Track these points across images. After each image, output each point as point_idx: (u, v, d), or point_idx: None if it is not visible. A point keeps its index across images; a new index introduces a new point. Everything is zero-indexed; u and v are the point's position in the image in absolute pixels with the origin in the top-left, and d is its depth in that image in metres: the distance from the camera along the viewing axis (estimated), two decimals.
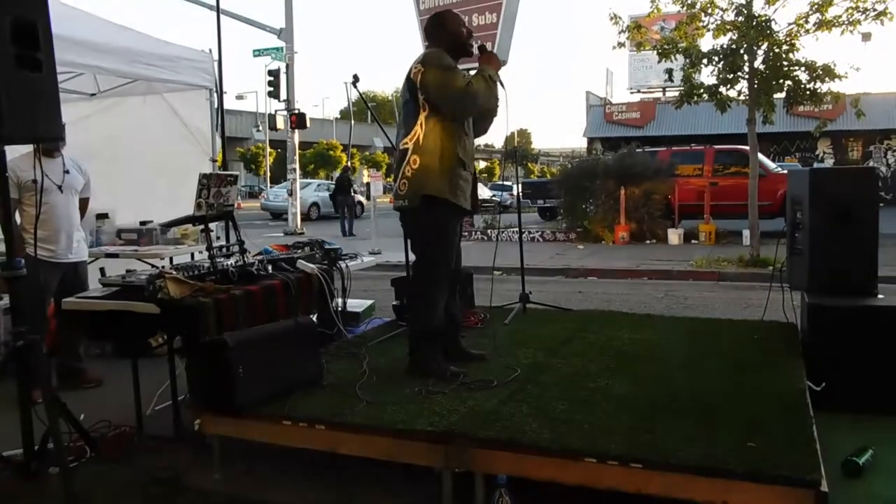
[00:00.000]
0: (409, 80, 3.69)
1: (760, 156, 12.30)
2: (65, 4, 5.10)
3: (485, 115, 3.96)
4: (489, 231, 15.68)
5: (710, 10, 10.05)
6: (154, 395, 4.19)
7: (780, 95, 10.11)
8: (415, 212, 3.71)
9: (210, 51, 6.37)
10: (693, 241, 13.62)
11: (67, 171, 4.72)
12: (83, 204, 4.97)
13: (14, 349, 3.07)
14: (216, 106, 6.48)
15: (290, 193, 20.02)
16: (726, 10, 10.00)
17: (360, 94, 4.99)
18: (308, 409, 3.19)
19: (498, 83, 3.77)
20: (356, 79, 4.51)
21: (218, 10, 6.70)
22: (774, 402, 3.19)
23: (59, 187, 4.63)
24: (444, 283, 3.78)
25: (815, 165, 24.90)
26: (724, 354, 4.10)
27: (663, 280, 9.70)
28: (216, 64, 6.37)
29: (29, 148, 4.23)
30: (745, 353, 4.10)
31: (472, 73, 3.76)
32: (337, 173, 43.85)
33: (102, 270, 4.33)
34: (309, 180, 33.37)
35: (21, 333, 3.07)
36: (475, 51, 3.89)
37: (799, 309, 4.49)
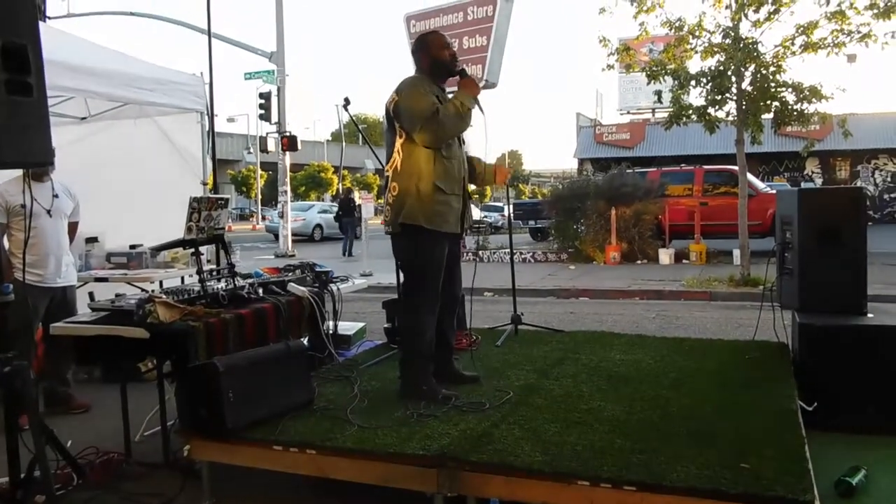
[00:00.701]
0: (387, 109, 3.78)
1: (750, 176, 12.42)
2: (55, 29, 5.14)
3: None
4: (480, 252, 15.69)
5: (697, 33, 10.18)
6: (143, 421, 4.15)
7: (768, 116, 10.21)
8: (396, 238, 3.77)
9: (201, 74, 6.40)
10: (684, 261, 13.67)
11: (56, 196, 4.71)
12: (72, 228, 4.96)
13: (1, 375, 3.04)
14: (207, 129, 6.49)
15: (282, 216, 20.02)
16: (713, 32, 10.13)
17: (351, 117, 5.02)
18: (299, 433, 3.17)
19: (476, 108, 3.80)
20: (347, 102, 4.54)
21: (210, 34, 6.74)
22: (767, 422, 3.19)
23: (48, 211, 4.61)
24: (433, 306, 3.78)
25: (804, 185, 25.11)
26: (717, 374, 4.10)
27: (655, 300, 9.72)
28: (207, 87, 6.39)
29: (17, 172, 4.22)
30: (737, 373, 4.10)
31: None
32: (329, 195, 43.84)
33: (91, 295, 4.30)
34: (312, 202, 33.54)
35: (8, 359, 3.04)
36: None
37: (790, 328, 4.51)
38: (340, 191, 39.72)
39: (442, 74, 3.89)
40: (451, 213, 3.77)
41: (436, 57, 3.87)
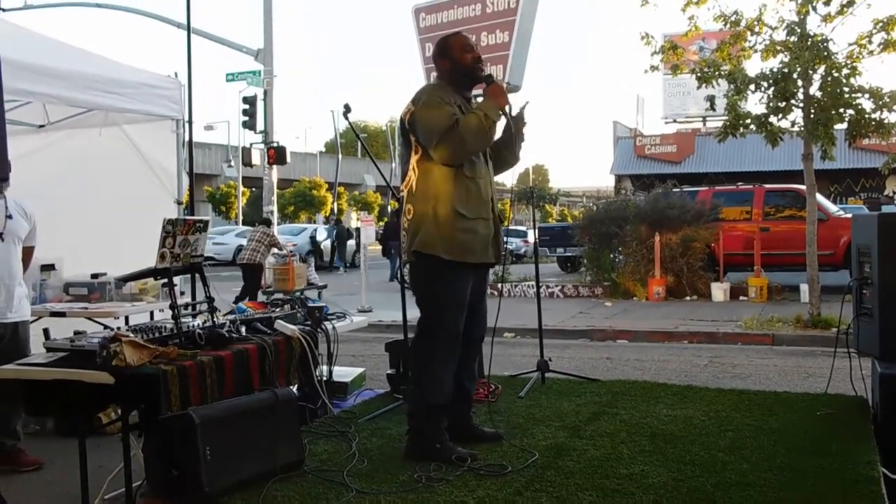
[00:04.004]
0: (402, 121, 3.86)
1: (819, 197, 12.38)
2: (10, 23, 5.23)
3: (501, 160, 4.07)
4: (499, 285, 15.69)
5: (757, 29, 10.22)
6: (104, 482, 4.15)
7: (841, 126, 10.20)
8: (410, 267, 3.83)
9: (176, 75, 6.48)
10: (741, 298, 13.61)
11: (10, 216, 4.74)
12: (27, 254, 4.98)
13: None
14: (184, 139, 6.56)
15: None
16: (776, 28, 10.16)
17: (351, 125, 5.08)
18: (287, 499, 3.17)
19: (507, 118, 3.84)
20: (347, 109, 4.61)
21: (189, 28, 6.82)
22: (842, 493, 3.16)
23: (0, 235, 4.66)
24: (450, 350, 3.79)
25: (885, 208, 24.99)
26: (782, 434, 4.08)
27: (707, 344, 9.67)
28: (185, 91, 6.47)
29: None
30: (806, 433, 4.08)
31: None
32: (322, 216, 44.13)
33: (46, 332, 4.33)
34: (304, 224, 33.84)
35: None
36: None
37: (869, 379, 4.48)
38: (334, 212, 40.09)
39: (465, 81, 3.96)
40: (476, 241, 3.79)
41: (457, 61, 3.93)
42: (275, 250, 13.61)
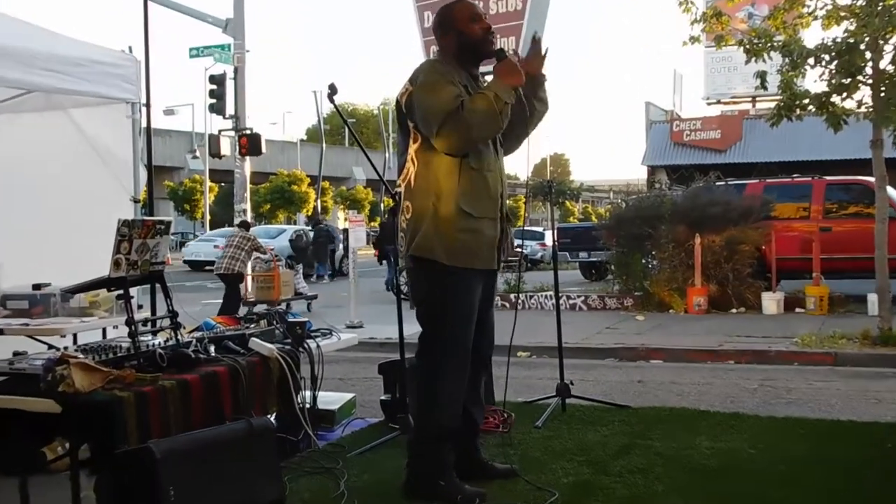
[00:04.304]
0: (398, 104, 3.88)
1: (891, 190, 12.36)
2: None
3: (512, 136, 4.07)
4: (512, 296, 15.71)
5: None
6: None
7: None
8: (409, 274, 3.87)
9: (131, 50, 6.50)
10: (797, 310, 13.60)
11: None
12: None
13: None
14: (141, 126, 6.58)
15: None
16: None
17: (338, 109, 5.09)
18: None
19: (519, 98, 3.84)
20: (333, 90, 4.61)
21: None
22: None
23: None
24: (457, 371, 3.81)
25: None
26: (845, 469, 4.09)
27: (757, 364, 9.66)
28: (141, 68, 6.49)
29: None
30: (873, 468, 4.09)
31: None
32: (303, 215, 44.14)
33: None
34: (282, 226, 34.03)
35: None
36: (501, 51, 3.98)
37: None
38: (319, 210, 40.01)
39: (472, 57, 3.97)
40: (482, 245, 3.81)
41: (463, 33, 3.94)
42: (257, 254, 13.75)
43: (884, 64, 9.99)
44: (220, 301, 14.00)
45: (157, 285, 4.47)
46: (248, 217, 19.96)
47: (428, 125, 3.72)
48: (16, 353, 4.03)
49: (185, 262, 32.03)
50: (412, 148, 3.82)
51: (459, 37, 3.94)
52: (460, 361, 3.82)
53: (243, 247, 13.69)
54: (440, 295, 3.79)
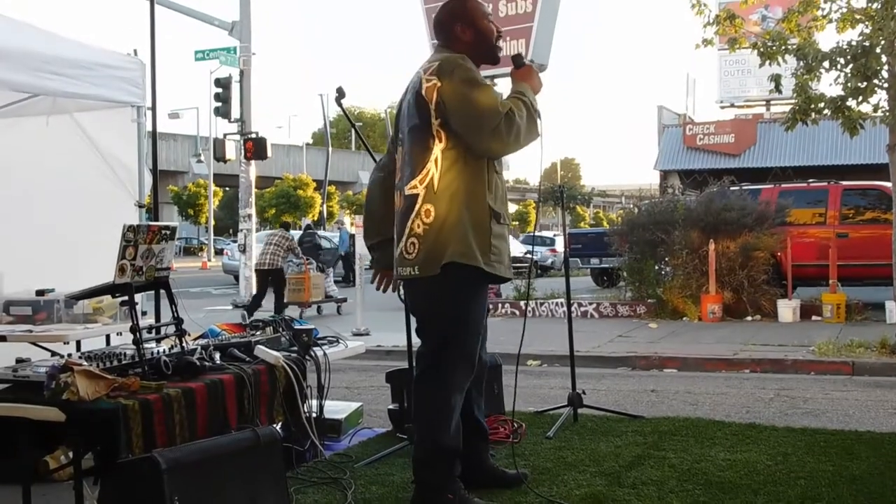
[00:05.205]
0: (420, 98, 3.71)
1: None
2: None
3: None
4: (521, 303, 15.69)
5: None
6: None
7: None
8: (430, 283, 3.72)
9: (136, 53, 6.51)
10: (814, 318, 13.56)
11: None
12: None
13: None
14: (147, 130, 6.58)
15: (244, 250, 20.05)
16: None
17: (345, 112, 5.10)
18: None
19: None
20: (341, 93, 4.61)
21: None
22: None
23: None
24: (466, 381, 3.80)
25: None
26: (865, 482, 4.07)
27: (773, 373, 9.64)
28: (147, 71, 6.50)
29: None
30: (894, 481, 4.06)
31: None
32: (309, 221, 44.38)
33: None
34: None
35: None
36: (510, 57, 3.97)
37: None
38: (323, 215, 39.92)
39: (486, 55, 3.92)
40: (506, 251, 3.79)
41: (481, 31, 3.90)
42: (291, 257, 14.69)
43: None
44: (224, 308, 14.21)
45: (163, 291, 4.45)
46: (253, 222, 20.02)
47: (476, 127, 3.60)
48: (19, 360, 4.03)
49: (226, 270, 29.73)
50: (437, 148, 3.67)
51: (478, 34, 3.89)
52: (469, 372, 3.80)
53: (282, 245, 14.73)
54: (471, 303, 3.75)
